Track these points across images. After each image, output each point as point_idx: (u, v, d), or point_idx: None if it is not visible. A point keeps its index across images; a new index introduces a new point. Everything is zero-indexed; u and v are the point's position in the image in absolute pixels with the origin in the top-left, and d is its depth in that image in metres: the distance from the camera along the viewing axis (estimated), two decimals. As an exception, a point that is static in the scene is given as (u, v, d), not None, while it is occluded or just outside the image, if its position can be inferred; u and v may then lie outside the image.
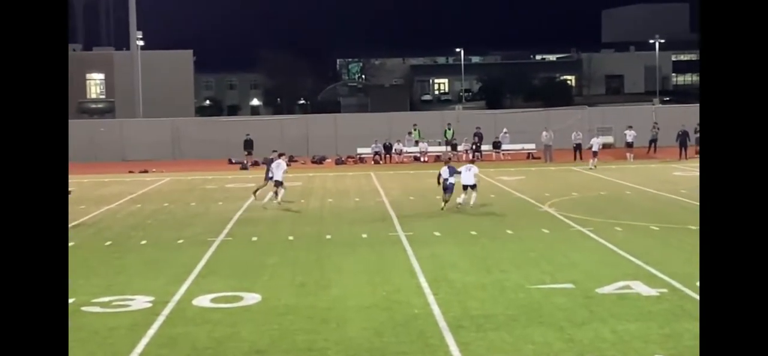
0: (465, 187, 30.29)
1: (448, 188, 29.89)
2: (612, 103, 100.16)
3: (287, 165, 34.68)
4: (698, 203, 30.26)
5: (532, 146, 58.36)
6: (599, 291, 16.99)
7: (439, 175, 30.33)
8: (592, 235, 24.24)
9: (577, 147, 54.28)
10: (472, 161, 33.96)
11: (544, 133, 54.91)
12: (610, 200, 32.85)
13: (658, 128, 58.24)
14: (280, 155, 33.75)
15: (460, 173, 30.24)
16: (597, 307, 15.70)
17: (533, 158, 56.75)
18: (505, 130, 60.28)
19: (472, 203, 30.09)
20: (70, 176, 43.75)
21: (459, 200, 30.10)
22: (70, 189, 40.64)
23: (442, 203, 29.90)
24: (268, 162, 34.53)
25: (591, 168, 47.14)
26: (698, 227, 25.82)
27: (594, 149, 48.29)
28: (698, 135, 55.81)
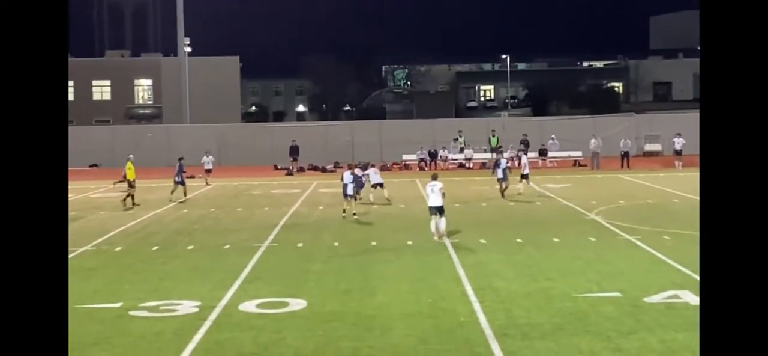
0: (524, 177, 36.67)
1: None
2: (660, 110, 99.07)
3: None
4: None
5: (579, 153, 57.94)
6: (647, 300, 16.81)
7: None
8: (639, 243, 24.00)
9: (625, 155, 53.74)
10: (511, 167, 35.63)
11: (593, 140, 54.47)
12: (658, 209, 32.50)
13: None
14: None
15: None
16: (644, 316, 15.53)
17: (580, 165, 56.32)
18: (553, 136, 59.87)
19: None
20: (113, 181, 43.44)
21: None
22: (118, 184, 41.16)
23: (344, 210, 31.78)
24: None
25: None
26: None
27: None
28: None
